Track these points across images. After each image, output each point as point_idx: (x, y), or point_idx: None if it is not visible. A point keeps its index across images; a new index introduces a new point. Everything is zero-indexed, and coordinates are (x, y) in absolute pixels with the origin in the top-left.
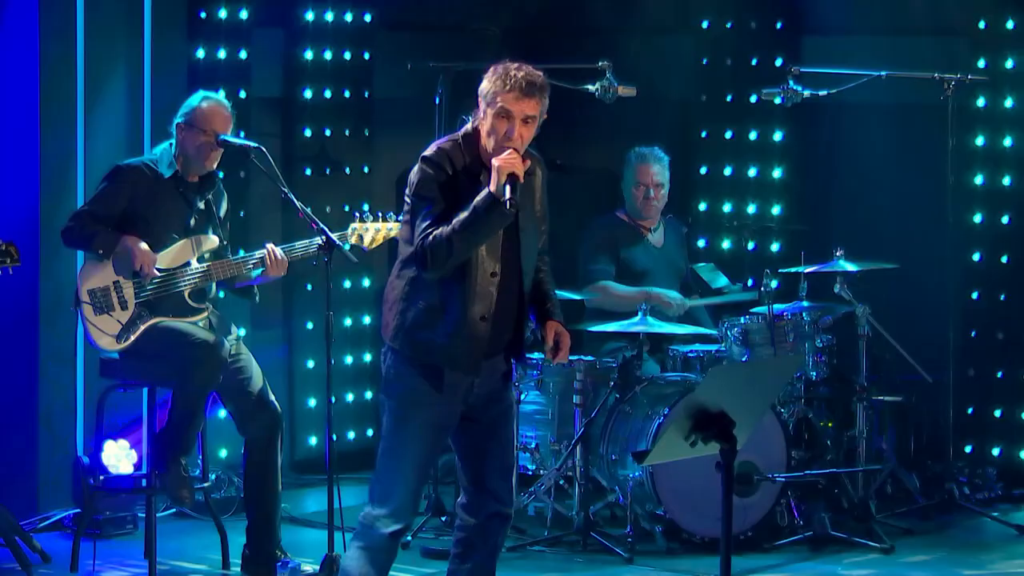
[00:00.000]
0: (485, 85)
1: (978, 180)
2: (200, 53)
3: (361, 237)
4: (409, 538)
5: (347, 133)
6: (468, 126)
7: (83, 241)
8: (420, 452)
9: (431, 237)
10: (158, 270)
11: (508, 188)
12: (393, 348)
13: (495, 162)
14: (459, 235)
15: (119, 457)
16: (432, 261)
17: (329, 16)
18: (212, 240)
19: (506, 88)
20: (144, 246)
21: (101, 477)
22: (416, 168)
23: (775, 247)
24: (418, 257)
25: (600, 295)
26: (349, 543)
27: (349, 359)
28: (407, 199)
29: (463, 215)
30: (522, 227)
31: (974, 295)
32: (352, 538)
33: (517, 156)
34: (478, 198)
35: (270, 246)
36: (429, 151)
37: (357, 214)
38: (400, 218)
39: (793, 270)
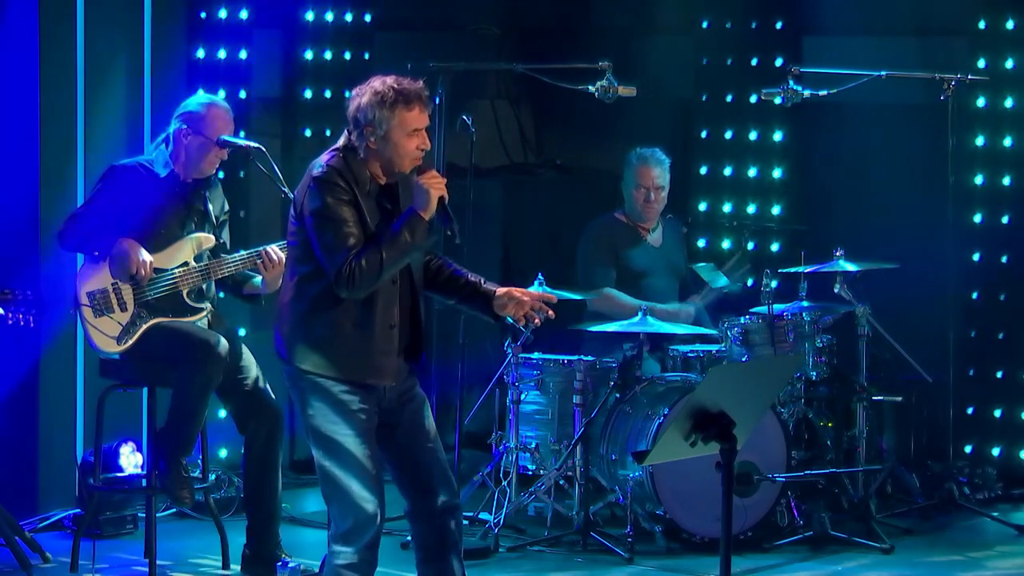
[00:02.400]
0: (372, 109)
1: (978, 180)
2: (200, 53)
3: None
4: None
5: None
6: (342, 141)
7: (79, 243)
8: (361, 460)
9: (363, 261)
10: (156, 270)
11: (446, 215)
12: (303, 370)
13: (424, 187)
14: (390, 258)
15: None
16: (361, 283)
17: (329, 16)
18: (209, 239)
19: (410, 106)
20: (140, 251)
21: (102, 477)
22: (315, 189)
23: (775, 247)
24: (342, 279)
25: (603, 303)
26: (325, 569)
27: None
28: (296, 219)
29: (391, 239)
30: None
31: (974, 295)
32: (328, 563)
33: (440, 178)
34: (408, 223)
35: (268, 248)
36: (321, 172)
37: None
38: (292, 240)
39: (793, 270)
